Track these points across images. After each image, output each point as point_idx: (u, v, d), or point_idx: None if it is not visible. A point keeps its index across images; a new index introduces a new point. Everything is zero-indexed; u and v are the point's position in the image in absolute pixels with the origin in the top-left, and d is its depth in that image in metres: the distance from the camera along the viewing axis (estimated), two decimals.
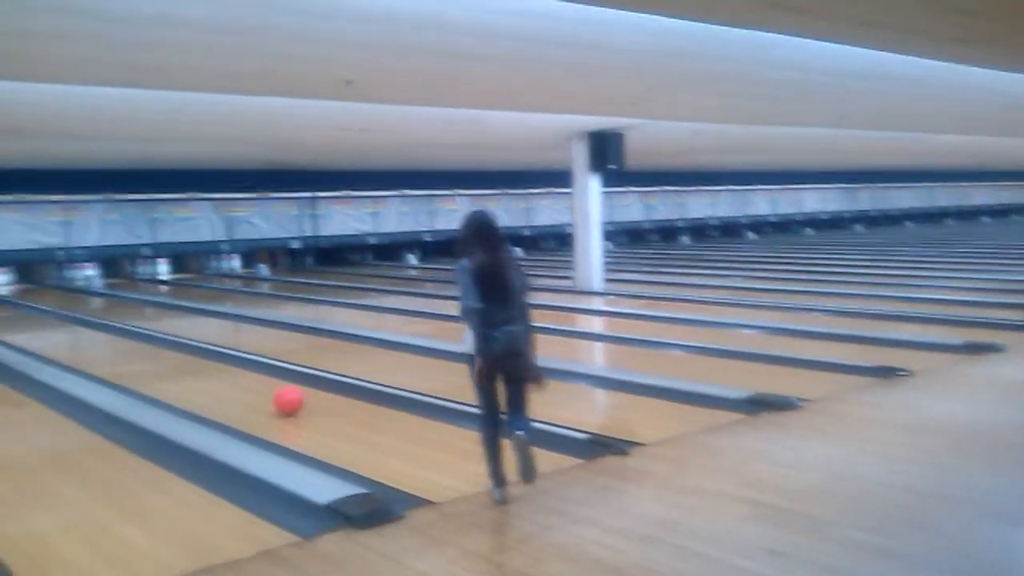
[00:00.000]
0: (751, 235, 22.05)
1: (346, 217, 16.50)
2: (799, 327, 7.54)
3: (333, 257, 16.58)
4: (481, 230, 3.64)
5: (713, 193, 21.85)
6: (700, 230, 21.69)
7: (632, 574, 2.72)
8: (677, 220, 21.28)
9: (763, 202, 23.01)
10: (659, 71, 6.78)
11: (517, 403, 3.47)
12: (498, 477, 3.42)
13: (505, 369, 3.47)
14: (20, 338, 8.14)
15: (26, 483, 3.80)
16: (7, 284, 13.50)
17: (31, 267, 13.72)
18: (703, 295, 10.04)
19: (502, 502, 3.37)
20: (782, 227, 23.21)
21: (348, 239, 16.58)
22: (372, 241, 16.86)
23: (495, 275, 3.51)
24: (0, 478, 3.88)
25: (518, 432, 3.37)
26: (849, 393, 5.13)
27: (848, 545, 2.92)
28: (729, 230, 22.20)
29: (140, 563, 2.90)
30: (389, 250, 17.08)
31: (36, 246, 13.39)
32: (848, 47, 6.49)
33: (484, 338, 3.43)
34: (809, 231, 23.22)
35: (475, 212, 3.77)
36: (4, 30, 4.62)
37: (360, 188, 16.49)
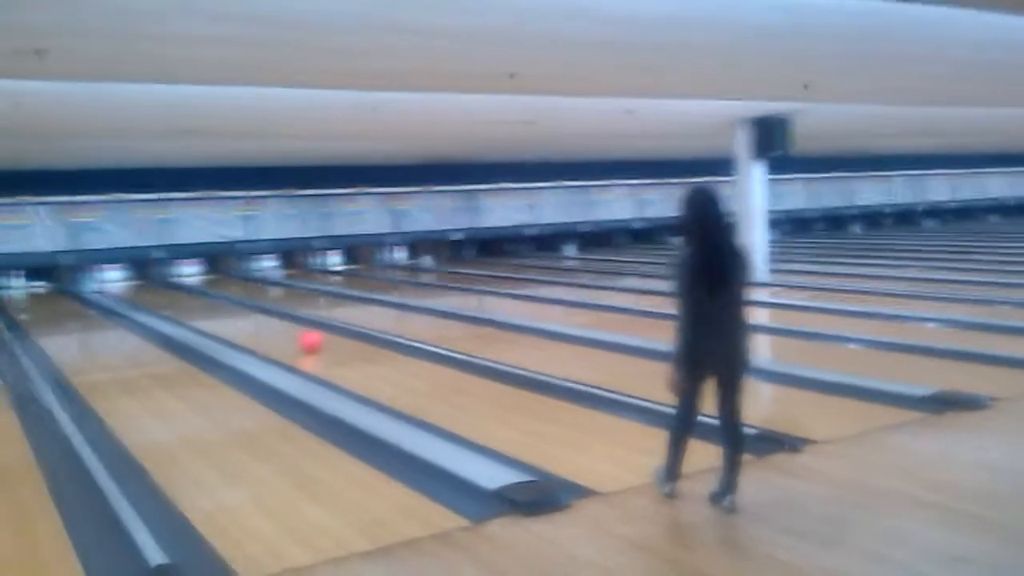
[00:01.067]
0: (929, 223, 20.75)
1: (505, 209, 16.74)
2: (986, 321, 7.03)
3: (493, 248, 16.87)
4: (704, 213, 3.19)
5: (886, 179, 20.68)
6: (872, 218, 20.60)
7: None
8: (847, 207, 20.30)
9: (942, 187, 21.58)
10: (831, 53, 6.47)
11: (730, 410, 3.25)
12: (673, 472, 3.31)
13: (718, 373, 3.22)
14: (209, 324, 8.74)
15: (218, 461, 4.08)
16: (195, 275, 14.55)
17: (216, 259, 14.71)
18: (877, 286, 9.54)
19: (670, 496, 3.29)
20: (963, 214, 21.70)
21: (507, 230, 16.82)
22: (530, 232, 17.03)
23: (717, 268, 3.17)
24: (195, 456, 4.17)
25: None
26: None
27: None
28: (904, 218, 20.98)
29: (322, 539, 3.05)
30: (547, 241, 17.20)
31: (220, 239, 14.34)
32: None
33: (698, 339, 3.17)
34: (994, 218, 21.61)
35: (698, 190, 3.26)
36: (188, 37, 4.95)
37: (518, 180, 16.69)
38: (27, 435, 4.63)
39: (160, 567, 2.79)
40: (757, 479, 3.54)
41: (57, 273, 13.39)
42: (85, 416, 5.00)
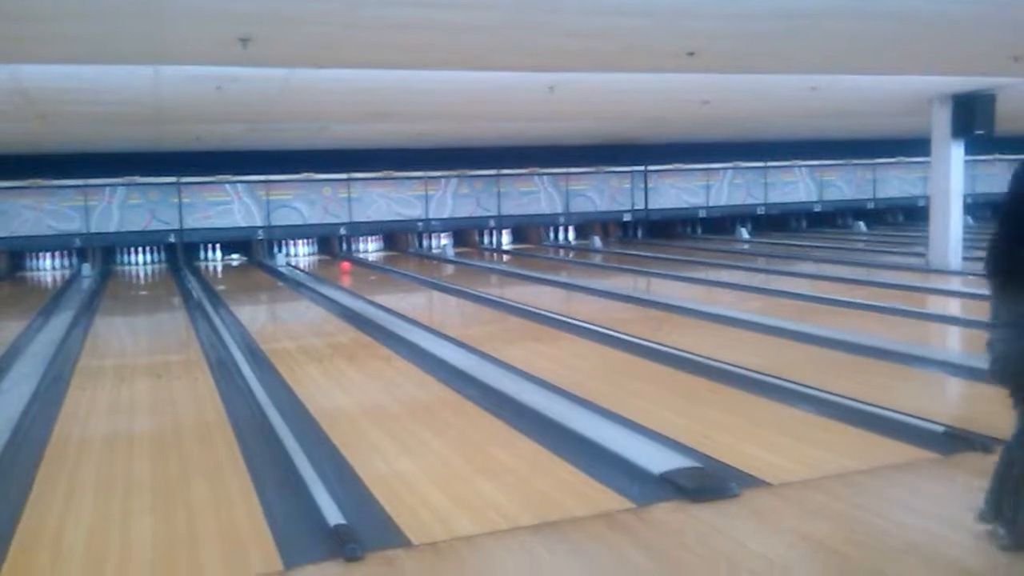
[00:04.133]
0: None
1: (677, 190, 16.45)
2: None
3: (663, 230, 16.63)
4: None
5: None
6: None
7: None
8: None
9: None
10: None
11: None
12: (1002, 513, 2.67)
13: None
14: (387, 299, 9.11)
15: (394, 429, 4.26)
16: (376, 251, 15.21)
17: (395, 236, 15.32)
18: None
19: (1005, 547, 2.64)
20: None
21: (678, 212, 16.53)
22: (703, 214, 16.66)
23: None
24: (373, 424, 4.37)
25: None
26: None
27: None
28: None
29: (489, 511, 3.13)
30: (720, 223, 16.78)
31: (399, 218, 14.91)
32: None
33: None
34: None
35: None
36: (391, 22, 5.15)
37: (691, 161, 16.34)
38: (222, 396, 5.00)
39: (338, 526, 2.94)
40: (944, 479, 3.34)
41: (251, 247, 14.39)
42: (273, 381, 5.34)
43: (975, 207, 16.88)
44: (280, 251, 14.22)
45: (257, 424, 4.37)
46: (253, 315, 8.86)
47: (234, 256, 14.47)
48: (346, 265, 13.59)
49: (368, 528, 2.97)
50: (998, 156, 17.33)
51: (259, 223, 14.09)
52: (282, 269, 12.93)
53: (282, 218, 14.22)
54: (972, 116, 9.61)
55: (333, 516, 3.04)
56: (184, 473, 3.72)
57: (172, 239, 13.74)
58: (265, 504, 3.25)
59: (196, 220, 13.78)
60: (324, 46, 5.80)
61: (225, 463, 3.78)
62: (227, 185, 13.93)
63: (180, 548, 2.94)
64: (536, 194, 15.73)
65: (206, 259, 14.32)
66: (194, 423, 4.57)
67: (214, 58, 6.02)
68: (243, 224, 14.00)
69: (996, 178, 17.96)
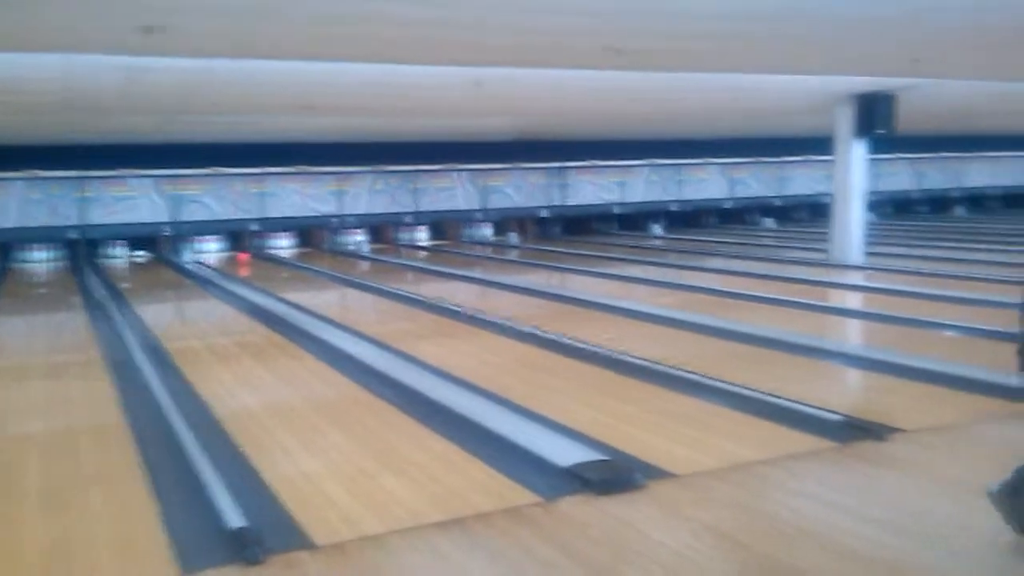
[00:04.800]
0: None
1: (594, 187, 16.61)
2: None
3: (580, 226, 16.77)
4: None
5: (994, 160, 19.68)
6: (978, 200, 19.65)
7: (892, 569, 2.53)
8: (952, 189, 19.44)
9: None
10: (945, 25, 6.14)
11: None
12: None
13: None
14: (299, 296, 8.95)
15: (301, 429, 4.17)
16: (290, 248, 14.93)
17: (309, 233, 15.06)
18: (979, 272, 9.12)
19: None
20: None
21: (595, 208, 16.69)
22: (618, 211, 16.86)
23: None
24: (279, 423, 4.28)
25: None
26: None
27: None
28: (1013, 201, 19.94)
29: (396, 508, 3.09)
30: (635, 219, 17.01)
31: (313, 214, 14.66)
32: None
33: None
34: None
35: None
36: (305, 15, 5.03)
37: (608, 158, 16.52)
38: (121, 398, 4.82)
39: (239, 529, 2.87)
40: (841, 467, 3.44)
41: (158, 243, 13.95)
42: (176, 381, 5.18)
43: (877, 204, 17.52)
44: (188, 248, 13.84)
45: (157, 426, 4.22)
46: (158, 314, 8.59)
47: (140, 253, 14.01)
48: (243, 256, 13.64)
49: (271, 531, 2.90)
50: (899, 155, 18.04)
51: (166, 219, 13.67)
52: (190, 266, 12.57)
53: (190, 213, 13.81)
54: (874, 116, 9.95)
55: (234, 519, 2.96)
56: (78, 477, 3.57)
57: (74, 235, 13.22)
58: (163, 509, 3.14)
59: (100, 216, 13.28)
60: (238, 38, 5.64)
61: (122, 467, 3.64)
62: (133, 180, 13.47)
63: (73, 555, 2.82)
64: (453, 190, 15.67)
65: (110, 256, 13.81)
66: (90, 425, 4.40)
67: (116, 47, 5.79)
68: (149, 220, 13.56)
69: (897, 176, 18.70)
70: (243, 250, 14.21)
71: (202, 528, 2.96)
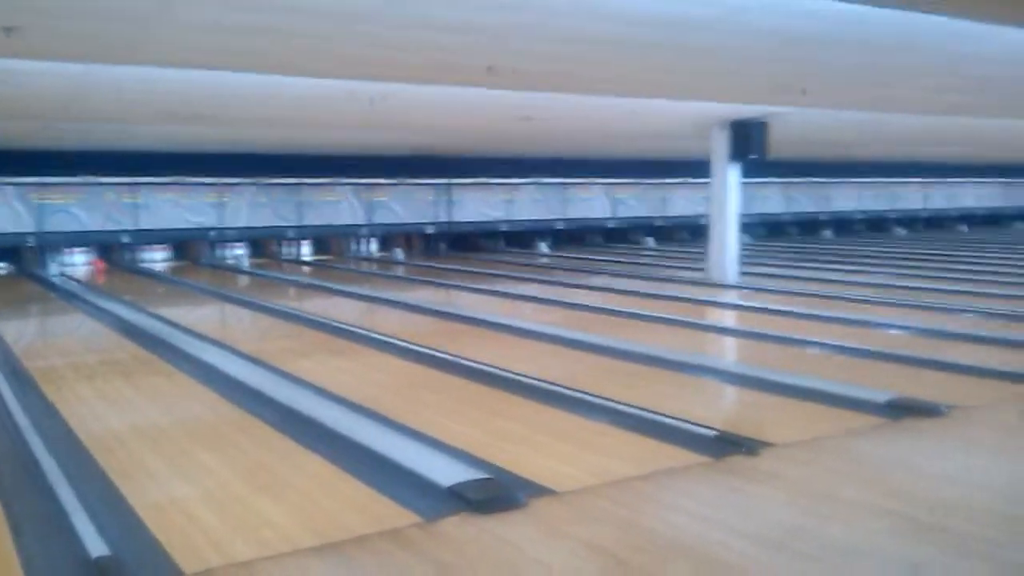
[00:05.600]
0: (900, 231, 20.94)
1: (480, 204, 16.67)
2: (950, 329, 7.09)
3: (466, 243, 16.80)
4: None
5: (860, 185, 20.83)
6: (845, 224, 20.75)
7: None
8: (820, 213, 20.44)
9: (914, 196, 21.78)
10: (820, 59, 6.46)
11: None
12: None
13: None
14: (173, 312, 8.61)
15: (171, 452, 4.00)
16: (164, 261, 14.37)
17: (186, 245, 14.53)
18: (846, 292, 9.60)
19: None
20: (935, 223, 21.94)
21: (481, 225, 16.75)
22: (504, 228, 16.98)
23: None
24: (148, 446, 4.09)
25: None
26: (1003, 402, 4.78)
27: (1001, 564, 2.71)
28: (876, 224, 21.16)
29: (269, 533, 3.00)
30: (522, 237, 17.16)
31: (190, 226, 14.16)
32: None
33: None
34: (964, 227, 21.87)
35: None
36: (175, 21, 4.85)
37: (494, 176, 16.63)
38: None
39: (100, 558, 2.71)
40: (714, 482, 3.52)
41: (21, 255, 13.17)
42: (36, 402, 4.89)
43: (751, 226, 18.26)
44: (54, 260, 13.13)
45: (14, 451, 3.97)
46: (19, 330, 8.10)
47: (2, 266, 13.19)
48: (99, 264, 13.46)
49: (135, 559, 2.76)
50: (771, 179, 18.86)
51: (30, 229, 12.93)
52: (55, 280, 11.93)
53: (57, 224, 13.11)
54: (748, 141, 10.36)
55: (96, 547, 2.80)
56: None
57: None
58: (19, 540, 2.94)
59: None
60: (119, 43, 5.38)
61: None
62: None
63: None
64: (338, 204, 15.44)
65: None
66: None
67: None
68: (11, 230, 12.80)
69: (769, 200, 19.53)
70: (99, 258, 13.75)
71: (62, 560, 2.79)
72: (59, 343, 7.75)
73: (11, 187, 12.75)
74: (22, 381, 5.44)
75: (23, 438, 4.09)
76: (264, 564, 2.75)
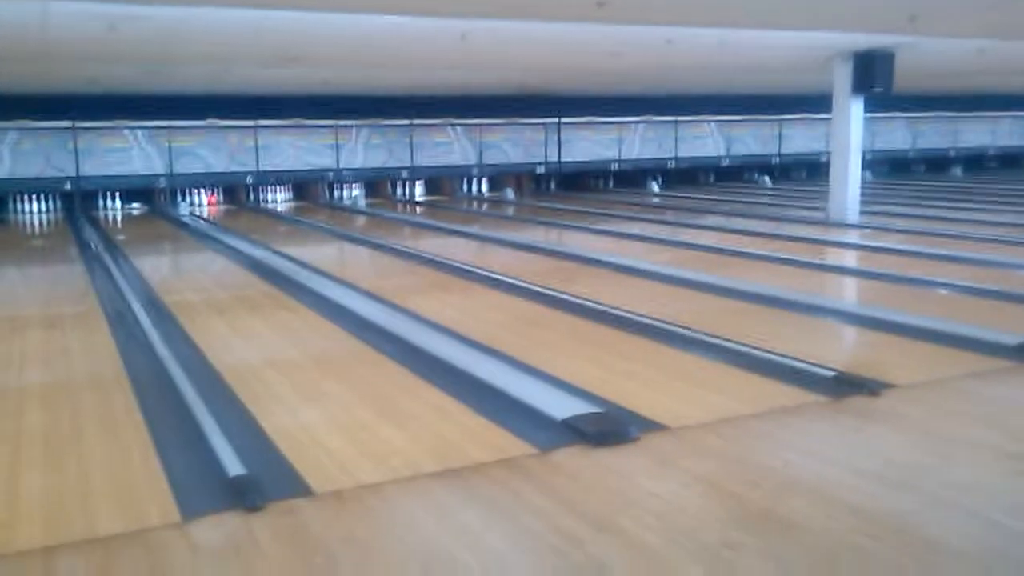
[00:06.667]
0: None
1: (590, 143, 16.52)
2: None
3: (576, 183, 16.72)
4: None
5: (993, 119, 19.60)
6: (976, 160, 19.62)
7: (882, 520, 2.58)
8: (949, 149, 19.38)
9: None
10: None
11: None
12: None
13: None
14: (296, 250, 8.95)
15: (299, 381, 4.21)
16: (286, 201, 14.88)
17: (305, 186, 15.00)
18: (974, 231, 9.14)
19: None
20: None
21: (591, 164, 16.62)
22: (615, 167, 16.80)
23: None
24: (277, 376, 4.31)
25: None
26: None
27: None
28: (1011, 161, 19.92)
29: (394, 459, 3.14)
30: (632, 176, 16.96)
31: (309, 167, 14.59)
32: None
33: None
34: None
35: None
36: None
37: (604, 114, 16.41)
38: (120, 350, 4.85)
39: (237, 477, 2.91)
40: (832, 421, 3.48)
41: (153, 196, 13.89)
42: (174, 333, 5.20)
43: (874, 163, 17.50)
44: (184, 200, 13.79)
45: (156, 377, 4.26)
46: (155, 266, 8.59)
47: (135, 205, 13.95)
48: (211, 199, 14.25)
49: (270, 478, 2.95)
50: (896, 113, 17.96)
51: (161, 171, 13.60)
52: (186, 219, 12.54)
53: (185, 166, 13.74)
54: (872, 74, 9.88)
55: (233, 467, 3.00)
56: (77, 426, 3.60)
57: (68, 187, 13.15)
58: (163, 457, 3.18)
59: (94, 167, 13.21)
60: None
61: (121, 416, 3.68)
62: (126, 131, 13.37)
63: (73, 501, 2.86)
64: (450, 145, 15.59)
65: (105, 208, 13.77)
66: (89, 375, 4.44)
67: None
68: (144, 172, 13.49)
69: (894, 134, 18.63)
70: (211, 195, 14.47)
71: (202, 477, 3.00)
72: (192, 279, 8.18)
73: (141, 131, 13.40)
74: (161, 314, 5.79)
75: (164, 367, 4.37)
76: (389, 487, 2.89)
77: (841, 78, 10.21)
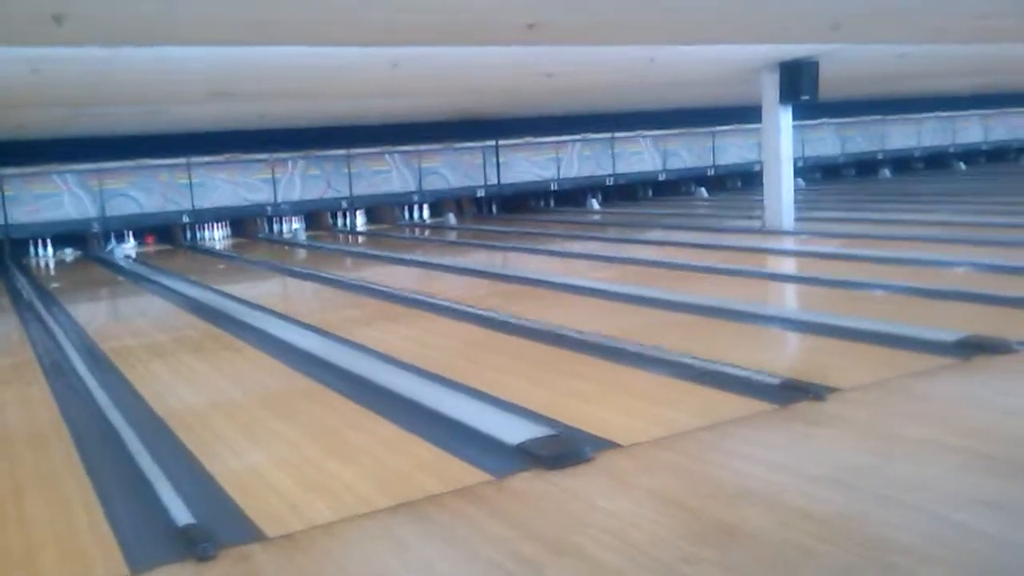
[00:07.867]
0: (961, 166, 20.32)
1: (529, 164, 16.61)
2: (1017, 264, 6.91)
3: (517, 204, 16.79)
4: None
5: (917, 121, 20.22)
6: (903, 162, 20.20)
7: (834, 523, 2.61)
8: (877, 152, 19.92)
9: (975, 129, 21.06)
10: None
11: None
12: None
13: None
14: (236, 288, 8.81)
15: (245, 422, 4.13)
16: (224, 238, 14.65)
17: (243, 222, 14.79)
18: (907, 232, 9.40)
19: None
20: (996, 156, 21.22)
21: (531, 185, 16.71)
22: (554, 187, 16.91)
23: None
24: (222, 418, 4.22)
25: None
26: None
27: None
28: (936, 161, 20.55)
29: (346, 496, 3.09)
30: (572, 195, 17.08)
31: (247, 202, 14.40)
32: None
33: None
34: None
35: None
36: None
37: (541, 134, 16.54)
38: (57, 401, 4.71)
39: (187, 526, 2.83)
40: (781, 428, 3.52)
41: (86, 240, 13.57)
42: (113, 381, 5.07)
43: (805, 170, 17.92)
44: (119, 243, 13.49)
45: (96, 427, 4.14)
46: (91, 313, 8.38)
47: (68, 251, 13.60)
48: (149, 239, 14.14)
49: (220, 525, 2.87)
50: (825, 120, 18.42)
51: (93, 214, 13.29)
52: (121, 262, 12.26)
53: (118, 207, 13.46)
54: (799, 83, 10.12)
55: (182, 516, 2.92)
56: (16, 482, 3.48)
57: None
58: (107, 510, 3.08)
59: (22, 214, 12.86)
60: (148, 22, 5.47)
61: (62, 470, 3.56)
62: (55, 176, 13.05)
63: (14, 560, 2.75)
64: (388, 173, 15.53)
65: (37, 255, 13.39)
66: (26, 429, 4.29)
67: (29, 38, 5.59)
68: (75, 216, 13.17)
69: (824, 141, 19.09)
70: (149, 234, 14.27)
71: (150, 528, 2.91)
72: (130, 323, 7.99)
73: (71, 174, 13.10)
74: (99, 362, 5.64)
75: (104, 416, 4.25)
76: (343, 526, 2.84)
77: (768, 88, 10.45)
